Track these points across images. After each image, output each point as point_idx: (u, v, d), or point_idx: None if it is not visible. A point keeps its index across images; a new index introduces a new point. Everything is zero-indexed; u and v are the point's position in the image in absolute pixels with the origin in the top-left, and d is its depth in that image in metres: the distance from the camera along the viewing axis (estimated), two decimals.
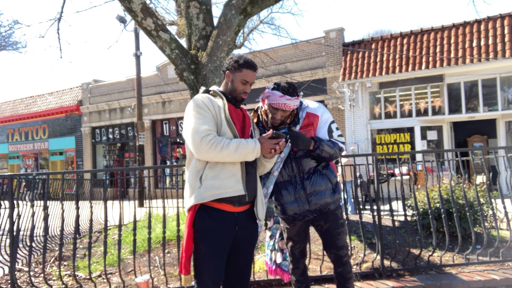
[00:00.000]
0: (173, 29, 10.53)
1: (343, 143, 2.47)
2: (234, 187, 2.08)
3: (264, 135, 2.15)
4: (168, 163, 17.18)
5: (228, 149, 2.01)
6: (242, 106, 2.38)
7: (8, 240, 3.51)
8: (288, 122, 2.47)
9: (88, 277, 3.64)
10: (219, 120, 2.12)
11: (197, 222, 2.08)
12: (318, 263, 3.73)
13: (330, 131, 2.45)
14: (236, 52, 13.78)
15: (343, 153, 2.42)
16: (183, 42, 5.36)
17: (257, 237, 2.33)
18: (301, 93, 2.45)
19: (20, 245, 4.83)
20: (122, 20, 12.74)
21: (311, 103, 2.53)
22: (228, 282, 2.22)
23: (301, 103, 2.51)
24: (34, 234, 3.49)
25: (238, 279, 2.22)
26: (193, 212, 2.08)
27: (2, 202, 3.52)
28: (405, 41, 12.20)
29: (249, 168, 2.19)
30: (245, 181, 2.13)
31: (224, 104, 2.17)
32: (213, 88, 2.30)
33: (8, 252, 3.50)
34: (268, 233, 2.87)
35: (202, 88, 2.33)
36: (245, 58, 2.25)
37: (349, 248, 2.95)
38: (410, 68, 11.78)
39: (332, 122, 2.49)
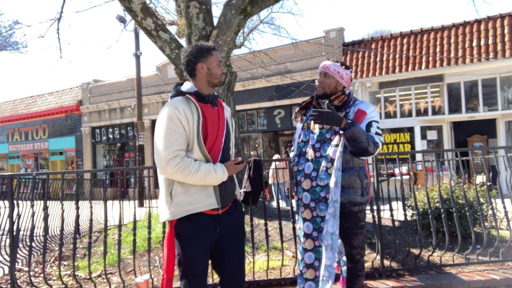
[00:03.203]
0: (173, 29, 10.54)
1: (380, 141, 2.46)
2: (205, 201, 2.05)
3: (232, 161, 2.12)
4: None
5: (195, 177, 1.98)
6: (219, 100, 2.27)
7: (8, 240, 3.51)
8: (335, 102, 2.52)
9: (88, 277, 3.64)
10: (191, 136, 2.03)
11: (178, 226, 2.06)
12: None
13: (369, 126, 2.47)
14: (236, 52, 13.79)
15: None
16: (183, 42, 5.37)
17: (244, 231, 2.29)
18: (350, 70, 2.62)
19: (20, 245, 4.83)
20: (122, 20, 12.74)
21: (366, 103, 2.59)
22: (224, 282, 2.18)
23: (355, 99, 2.59)
24: (34, 234, 3.49)
25: (234, 277, 2.17)
26: (171, 227, 2.07)
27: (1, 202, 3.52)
28: (405, 41, 12.20)
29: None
30: (222, 190, 2.10)
31: (199, 118, 2.04)
32: (186, 88, 2.14)
33: (8, 252, 3.50)
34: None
35: (173, 90, 2.16)
36: (203, 43, 2.18)
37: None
38: (410, 68, 11.79)
39: (375, 121, 2.51)
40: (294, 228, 3.57)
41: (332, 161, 2.44)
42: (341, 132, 2.37)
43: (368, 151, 2.40)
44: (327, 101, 2.50)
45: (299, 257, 2.62)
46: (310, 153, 2.54)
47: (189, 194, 2.03)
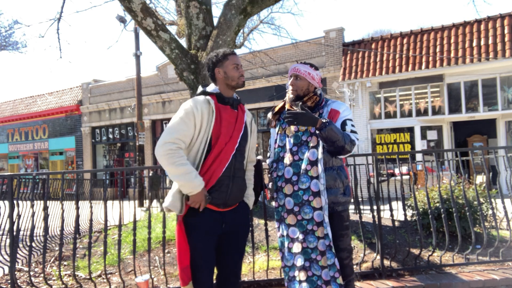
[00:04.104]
0: (173, 29, 10.54)
1: (356, 139, 2.48)
2: (171, 203, 2.16)
3: (205, 193, 2.14)
4: None
5: (176, 169, 2.07)
6: (243, 106, 2.40)
7: (8, 240, 3.51)
8: (308, 104, 2.54)
9: (88, 277, 3.64)
10: (201, 133, 2.15)
11: (185, 218, 2.18)
12: None
13: (343, 124, 2.50)
14: (237, 52, 13.78)
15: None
16: (183, 42, 5.37)
17: (248, 231, 2.42)
18: (319, 71, 2.62)
19: (20, 245, 4.83)
20: (122, 20, 12.74)
21: (338, 102, 2.61)
22: (222, 275, 2.30)
23: (327, 100, 2.61)
24: (34, 234, 3.49)
25: (232, 271, 2.30)
26: (179, 219, 2.20)
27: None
28: (405, 41, 12.21)
29: (238, 173, 2.24)
30: (229, 189, 2.18)
31: (214, 118, 2.17)
32: (211, 89, 2.30)
33: (8, 252, 3.50)
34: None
35: (200, 88, 2.33)
36: (222, 50, 2.34)
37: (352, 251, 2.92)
38: (410, 68, 11.79)
39: (349, 119, 2.53)
40: None
41: (311, 163, 2.43)
42: (317, 132, 2.37)
43: (346, 149, 2.42)
44: (300, 103, 2.51)
45: (288, 263, 2.51)
46: (288, 158, 2.52)
47: (171, 193, 2.19)
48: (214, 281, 2.30)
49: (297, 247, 2.47)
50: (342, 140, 2.37)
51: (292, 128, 2.54)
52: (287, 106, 2.64)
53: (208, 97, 2.24)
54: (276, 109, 2.70)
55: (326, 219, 2.38)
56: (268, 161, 2.73)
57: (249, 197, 2.42)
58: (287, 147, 2.55)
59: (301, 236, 2.45)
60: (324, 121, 2.34)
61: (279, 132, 2.64)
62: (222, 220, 2.20)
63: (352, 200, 2.78)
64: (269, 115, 2.74)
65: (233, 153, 2.20)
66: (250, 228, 3.49)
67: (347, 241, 2.54)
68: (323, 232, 2.40)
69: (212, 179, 2.15)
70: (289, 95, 2.59)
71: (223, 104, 2.26)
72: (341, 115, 2.52)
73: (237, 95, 2.44)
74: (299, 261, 2.44)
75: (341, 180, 2.52)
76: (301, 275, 2.43)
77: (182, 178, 2.08)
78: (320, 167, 2.39)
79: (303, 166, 2.45)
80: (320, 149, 2.42)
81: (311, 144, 2.46)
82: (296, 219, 2.48)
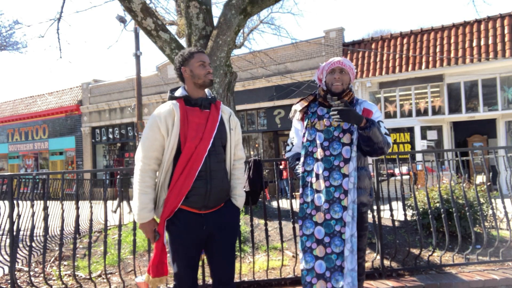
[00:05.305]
0: (173, 29, 10.54)
1: (390, 142, 2.46)
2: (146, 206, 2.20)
3: (152, 231, 2.20)
4: None
5: (135, 192, 2.17)
6: (214, 104, 2.34)
7: (8, 240, 3.51)
8: (346, 99, 2.45)
9: (88, 277, 3.64)
10: (170, 139, 2.16)
11: (168, 224, 2.20)
12: None
13: (378, 126, 2.44)
14: (236, 52, 13.79)
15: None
16: (183, 42, 5.36)
17: (235, 231, 2.36)
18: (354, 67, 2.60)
19: (20, 245, 4.83)
20: (122, 20, 12.73)
21: (368, 102, 2.57)
22: (213, 275, 2.31)
23: (357, 99, 2.56)
24: (34, 234, 3.48)
25: (222, 271, 2.29)
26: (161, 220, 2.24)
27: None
28: (405, 41, 12.20)
29: (215, 174, 2.21)
30: (208, 191, 2.17)
31: (177, 126, 2.17)
32: (178, 93, 2.29)
33: (8, 252, 3.50)
34: None
35: (168, 93, 2.32)
36: (188, 49, 2.32)
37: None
38: (410, 68, 11.78)
39: (382, 121, 2.48)
40: (294, 228, 3.56)
41: (345, 160, 2.37)
42: (359, 131, 2.32)
43: (384, 152, 2.39)
44: (345, 99, 2.43)
45: (307, 266, 2.39)
46: (319, 152, 2.43)
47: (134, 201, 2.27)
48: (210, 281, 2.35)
49: (320, 251, 2.37)
50: (383, 142, 2.34)
51: (323, 122, 2.47)
52: (320, 100, 2.56)
53: (174, 101, 2.23)
54: (306, 102, 2.60)
55: (349, 219, 2.32)
56: (288, 154, 2.67)
57: (237, 198, 2.35)
58: (318, 141, 2.46)
59: (326, 239, 2.36)
60: (369, 120, 2.30)
61: (307, 126, 2.53)
62: (203, 223, 2.17)
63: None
64: (296, 106, 2.64)
65: (205, 154, 2.16)
66: (250, 228, 3.50)
67: (364, 241, 2.53)
68: (349, 233, 2.33)
69: (187, 183, 2.12)
70: (333, 89, 2.48)
71: (190, 106, 2.23)
72: (374, 116, 2.45)
73: (211, 92, 2.39)
74: (320, 269, 2.35)
75: (369, 180, 2.51)
76: (319, 285, 2.34)
77: (135, 205, 2.17)
78: (351, 165, 2.35)
79: (336, 162, 2.39)
80: (354, 147, 2.37)
81: (344, 141, 2.41)
82: (324, 217, 2.38)
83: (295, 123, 2.66)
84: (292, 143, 2.65)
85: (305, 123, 2.55)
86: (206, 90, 2.35)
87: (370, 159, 2.93)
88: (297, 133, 2.63)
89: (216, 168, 2.21)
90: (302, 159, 2.50)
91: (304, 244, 2.42)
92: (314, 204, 2.41)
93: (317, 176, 2.42)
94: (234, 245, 2.33)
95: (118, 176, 3.73)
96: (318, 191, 2.41)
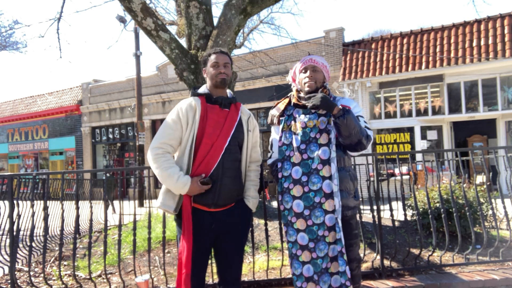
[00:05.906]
0: (173, 29, 10.53)
1: (371, 135, 2.40)
2: (165, 202, 2.24)
3: (198, 178, 2.14)
4: None
5: (162, 173, 2.15)
6: (237, 105, 2.38)
7: (8, 240, 3.51)
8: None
9: (88, 277, 3.64)
10: (189, 133, 2.21)
11: (177, 217, 2.26)
12: None
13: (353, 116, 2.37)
14: (236, 52, 13.78)
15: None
16: (183, 42, 5.36)
17: (245, 232, 2.36)
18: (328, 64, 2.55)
19: (20, 245, 4.83)
20: (122, 20, 12.73)
21: (347, 99, 2.50)
22: (220, 272, 2.33)
23: (335, 97, 2.50)
24: (34, 234, 3.48)
25: (228, 270, 2.30)
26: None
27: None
28: (405, 41, 12.21)
29: (227, 173, 2.20)
30: (217, 189, 2.17)
31: (196, 121, 2.22)
32: (201, 90, 2.37)
33: (8, 252, 3.50)
34: None
35: (192, 90, 2.40)
36: (209, 50, 2.44)
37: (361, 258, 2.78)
38: (410, 68, 11.79)
39: (361, 116, 2.42)
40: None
41: (323, 162, 2.27)
42: (334, 119, 2.25)
43: (362, 143, 2.30)
44: (320, 91, 2.40)
45: (296, 272, 2.34)
46: (296, 156, 2.34)
47: (161, 193, 2.28)
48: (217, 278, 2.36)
49: (306, 256, 2.31)
50: (359, 132, 2.26)
51: (299, 124, 2.39)
52: (294, 101, 2.49)
53: (196, 97, 2.31)
54: (282, 106, 2.53)
55: (340, 223, 2.22)
56: (269, 161, 2.59)
57: (250, 199, 2.34)
58: (294, 145, 2.36)
59: (311, 245, 2.29)
60: (343, 109, 2.24)
61: (283, 129, 2.45)
62: (212, 220, 2.19)
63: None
64: (273, 111, 2.57)
65: (222, 152, 2.18)
66: (251, 228, 3.50)
67: (356, 250, 2.40)
68: (335, 237, 2.25)
69: None
70: (305, 88, 2.43)
71: (211, 104, 2.29)
72: (352, 111, 2.34)
73: (232, 93, 2.42)
74: (309, 272, 2.30)
75: (352, 181, 2.39)
76: (309, 287, 2.31)
77: (167, 181, 2.15)
78: (333, 166, 2.25)
79: (314, 165, 2.29)
80: (333, 147, 2.28)
81: (321, 142, 2.31)
82: (306, 224, 2.29)
83: (274, 128, 2.61)
84: (272, 150, 2.59)
85: (281, 126, 2.48)
86: (228, 90, 2.41)
87: (353, 160, 2.87)
88: (274, 138, 2.58)
89: (229, 167, 2.22)
90: (279, 164, 2.43)
91: (291, 250, 2.37)
92: (293, 211, 2.33)
93: (295, 181, 2.33)
94: (243, 245, 2.33)
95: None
96: (296, 197, 2.32)
